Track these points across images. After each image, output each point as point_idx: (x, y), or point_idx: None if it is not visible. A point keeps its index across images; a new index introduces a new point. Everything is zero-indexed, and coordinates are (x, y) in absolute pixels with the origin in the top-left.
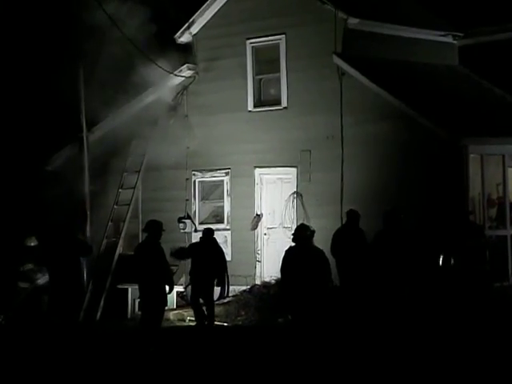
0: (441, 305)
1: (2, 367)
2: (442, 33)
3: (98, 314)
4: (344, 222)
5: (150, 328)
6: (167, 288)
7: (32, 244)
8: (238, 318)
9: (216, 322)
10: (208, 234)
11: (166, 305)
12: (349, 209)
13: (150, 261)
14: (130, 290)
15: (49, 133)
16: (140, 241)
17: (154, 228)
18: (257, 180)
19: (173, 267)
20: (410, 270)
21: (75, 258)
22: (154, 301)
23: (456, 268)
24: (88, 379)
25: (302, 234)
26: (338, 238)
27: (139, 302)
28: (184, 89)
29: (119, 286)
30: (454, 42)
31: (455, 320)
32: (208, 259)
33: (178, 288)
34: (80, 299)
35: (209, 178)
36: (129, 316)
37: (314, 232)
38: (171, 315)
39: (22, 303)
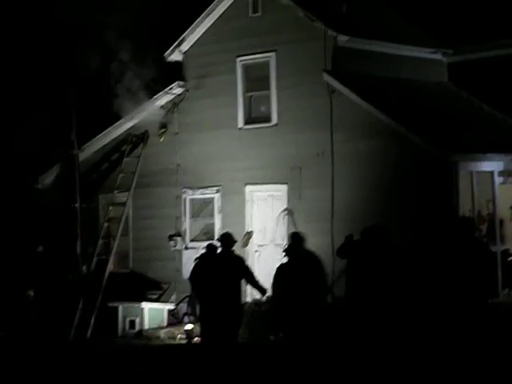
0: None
1: None
2: (432, 50)
3: (89, 331)
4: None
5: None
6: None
7: (40, 250)
8: None
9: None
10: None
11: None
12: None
13: (225, 271)
14: (120, 308)
15: (39, 151)
16: (131, 258)
17: (227, 239)
18: (247, 197)
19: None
20: (395, 286)
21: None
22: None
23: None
24: None
25: (296, 244)
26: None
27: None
28: (174, 106)
29: (110, 304)
30: (443, 59)
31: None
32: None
33: (169, 306)
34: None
35: (199, 195)
36: (119, 334)
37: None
38: (162, 333)
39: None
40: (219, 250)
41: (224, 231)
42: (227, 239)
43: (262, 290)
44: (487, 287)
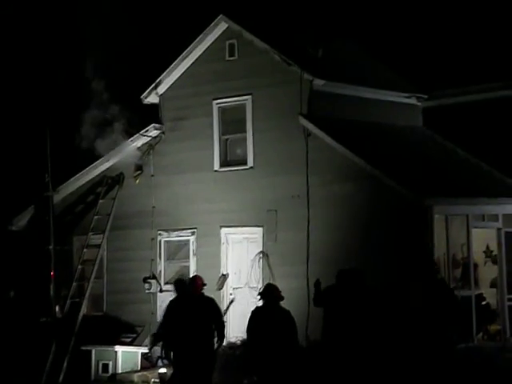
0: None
1: None
2: (406, 94)
3: (61, 376)
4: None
5: None
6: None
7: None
8: None
9: None
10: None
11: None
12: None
13: (197, 314)
14: (93, 351)
15: (13, 192)
16: (105, 301)
17: (194, 282)
18: (223, 239)
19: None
20: (368, 330)
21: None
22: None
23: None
24: None
25: (271, 293)
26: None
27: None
28: (150, 148)
29: (83, 348)
30: (418, 103)
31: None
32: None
33: (142, 349)
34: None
35: (174, 237)
36: (92, 378)
37: (281, 294)
38: (135, 377)
39: None
40: (187, 292)
41: (193, 275)
42: (194, 282)
43: (222, 338)
44: (453, 329)
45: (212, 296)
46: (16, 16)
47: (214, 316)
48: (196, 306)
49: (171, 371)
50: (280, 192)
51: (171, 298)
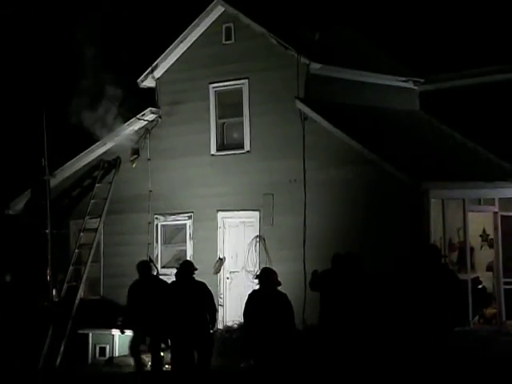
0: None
1: None
2: (403, 78)
3: (58, 359)
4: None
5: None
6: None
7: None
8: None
9: None
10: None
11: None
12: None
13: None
14: (90, 335)
15: (10, 176)
16: (102, 285)
17: (186, 266)
18: (219, 223)
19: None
20: (365, 314)
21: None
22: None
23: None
24: None
25: (268, 277)
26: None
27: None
28: (147, 132)
29: (80, 331)
30: (415, 87)
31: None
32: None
33: None
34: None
35: (171, 221)
36: (89, 361)
37: (278, 278)
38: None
39: None
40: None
41: (184, 259)
42: (186, 266)
43: (214, 321)
44: (453, 314)
45: (205, 281)
46: (13, 7)
47: (205, 300)
48: (188, 290)
49: (168, 355)
50: (276, 176)
51: (134, 280)
